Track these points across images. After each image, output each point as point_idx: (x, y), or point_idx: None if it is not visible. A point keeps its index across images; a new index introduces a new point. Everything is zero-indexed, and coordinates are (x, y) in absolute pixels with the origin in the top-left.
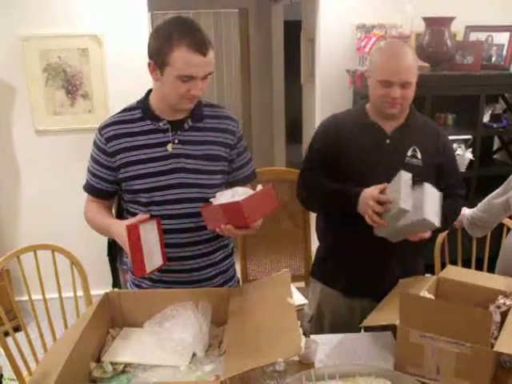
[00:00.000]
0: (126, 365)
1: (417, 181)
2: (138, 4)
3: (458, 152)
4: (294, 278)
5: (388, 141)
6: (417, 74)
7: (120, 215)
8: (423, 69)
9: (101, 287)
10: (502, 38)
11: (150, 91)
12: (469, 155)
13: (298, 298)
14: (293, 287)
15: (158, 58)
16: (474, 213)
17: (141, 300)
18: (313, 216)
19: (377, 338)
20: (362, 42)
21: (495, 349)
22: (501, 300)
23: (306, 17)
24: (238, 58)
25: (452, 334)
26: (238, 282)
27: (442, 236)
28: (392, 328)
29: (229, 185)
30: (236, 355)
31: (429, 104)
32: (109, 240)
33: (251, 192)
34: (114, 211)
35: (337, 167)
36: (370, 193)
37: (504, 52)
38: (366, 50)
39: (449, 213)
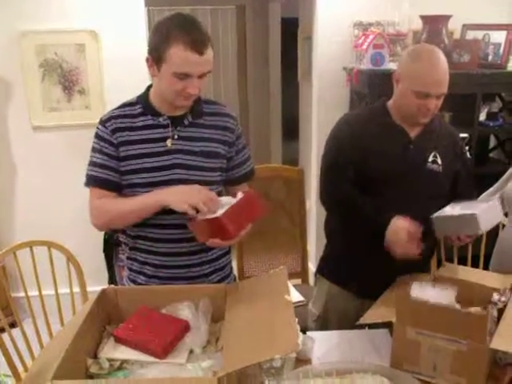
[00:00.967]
0: (123, 361)
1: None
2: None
3: None
4: (291, 276)
5: (411, 146)
6: None
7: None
8: None
9: (97, 283)
10: (498, 36)
11: (150, 86)
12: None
13: (295, 296)
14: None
15: (156, 53)
16: None
17: (138, 296)
18: (310, 213)
19: (373, 335)
20: (359, 39)
21: (491, 346)
22: (496, 297)
23: (303, 14)
24: (234, 55)
25: (448, 332)
26: (235, 279)
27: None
28: (389, 325)
29: (227, 182)
30: (233, 352)
31: None
32: (105, 236)
33: (233, 201)
34: None
35: (359, 166)
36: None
37: (501, 51)
38: (364, 47)
39: None
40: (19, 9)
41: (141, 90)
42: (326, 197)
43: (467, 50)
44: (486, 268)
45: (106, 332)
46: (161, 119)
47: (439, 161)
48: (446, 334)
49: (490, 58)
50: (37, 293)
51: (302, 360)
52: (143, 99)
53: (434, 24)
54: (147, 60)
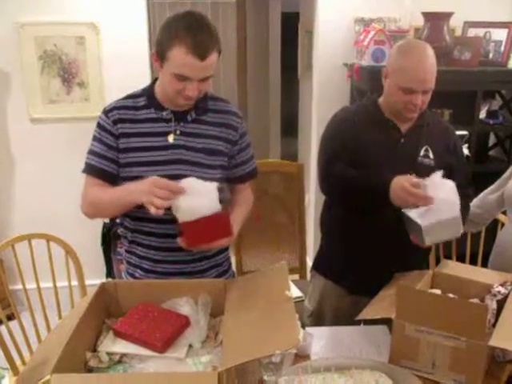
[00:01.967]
0: (123, 355)
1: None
2: None
3: None
4: (289, 271)
5: (402, 140)
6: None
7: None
8: None
9: (95, 277)
10: (500, 34)
11: (156, 79)
12: (465, 151)
13: (293, 291)
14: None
15: (160, 50)
16: None
17: (137, 290)
18: (308, 208)
19: (372, 331)
20: (360, 35)
21: (490, 343)
22: (496, 288)
23: (303, 9)
24: (234, 49)
25: (448, 328)
26: (234, 275)
27: None
28: (387, 321)
29: (230, 180)
30: (233, 347)
31: None
32: (103, 230)
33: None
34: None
35: (351, 160)
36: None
37: (502, 48)
38: (365, 43)
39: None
40: (19, 0)
41: (141, 83)
42: (324, 180)
43: (468, 47)
44: (484, 265)
45: (105, 326)
46: (164, 113)
47: (431, 155)
48: (444, 330)
49: (491, 55)
50: (35, 286)
51: (300, 356)
52: (148, 92)
53: (435, 21)
54: (153, 54)
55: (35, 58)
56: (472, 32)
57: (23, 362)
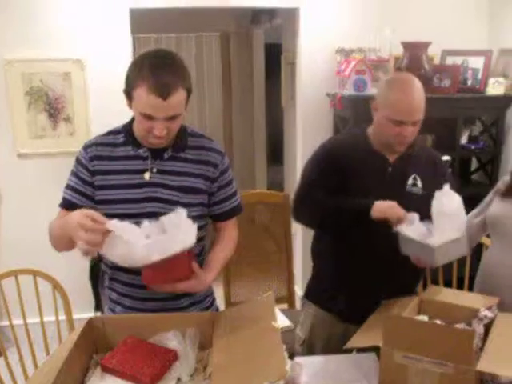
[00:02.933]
0: None
1: None
2: (122, 28)
3: None
4: (277, 300)
5: (390, 169)
6: None
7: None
8: None
9: (83, 311)
10: (477, 62)
11: None
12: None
13: (282, 320)
14: (276, 309)
15: (127, 88)
16: None
17: (125, 325)
18: (295, 238)
19: (360, 359)
20: (341, 65)
21: (478, 368)
22: (483, 312)
23: (286, 41)
24: (219, 81)
25: (435, 354)
26: (217, 310)
27: None
28: (376, 349)
29: (212, 217)
30: (222, 380)
31: None
32: (91, 263)
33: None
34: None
35: (338, 193)
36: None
37: (479, 76)
38: (346, 73)
39: None
40: (5, 37)
41: (126, 117)
42: (299, 205)
43: (447, 75)
44: (471, 288)
45: (93, 361)
46: (141, 151)
47: (419, 183)
48: (432, 357)
49: (469, 82)
50: (21, 321)
51: None
52: (126, 129)
53: (414, 50)
54: (123, 92)
55: (22, 93)
56: (450, 60)
57: None
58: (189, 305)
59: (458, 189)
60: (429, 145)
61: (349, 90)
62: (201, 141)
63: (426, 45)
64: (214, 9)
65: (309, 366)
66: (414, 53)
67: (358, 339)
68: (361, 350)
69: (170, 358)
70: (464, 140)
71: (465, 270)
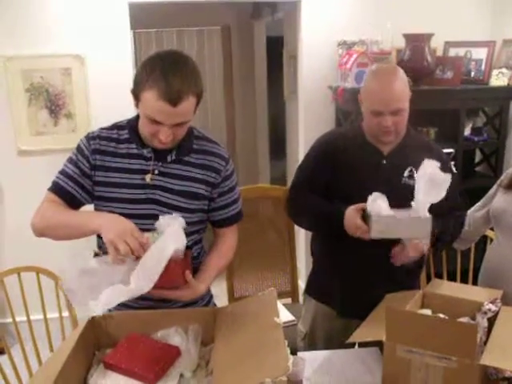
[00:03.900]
0: None
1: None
2: (121, 23)
3: None
4: (281, 295)
5: (384, 161)
6: (408, 97)
7: None
8: None
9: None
10: (480, 53)
11: None
12: (452, 168)
13: (285, 315)
14: (279, 304)
15: (135, 89)
16: None
17: (127, 322)
18: (299, 232)
19: (364, 353)
20: (343, 58)
21: (481, 362)
22: (486, 306)
23: (287, 33)
24: (221, 75)
25: (438, 349)
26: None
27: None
28: (379, 343)
29: (211, 223)
30: (224, 376)
31: (410, 118)
32: None
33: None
34: None
35: (333, 186)
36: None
37: (482, 67)
38: (348, 66)
39: (452, 227)
40: (5, 34)
41: (127, 113)
42: (290, 205)
43: (450, 66)
44: (475, 281)
45: (95, 358)
46: (145, 151)
47: (415, 175)
48: (435, 351)
49: (472, 74)
50: (25, 318)
51: (293, 381)
52: (131, 125)
53: (416, 42)
54: (131, 91)
55: (22, 90)
56: (453, 52)
57: None
58: (183, 305)
59: (457, 179)
60: (432, 137)
61: (351, 83)
62: (205, 145)
63: (428, 36)
64: (215, 2)
65: (312, 360)
66: (417, 45)
67: (361, 333)
68: (363, 344)
69: (172, 354)
70: (467, 132)
71: (469, 263)
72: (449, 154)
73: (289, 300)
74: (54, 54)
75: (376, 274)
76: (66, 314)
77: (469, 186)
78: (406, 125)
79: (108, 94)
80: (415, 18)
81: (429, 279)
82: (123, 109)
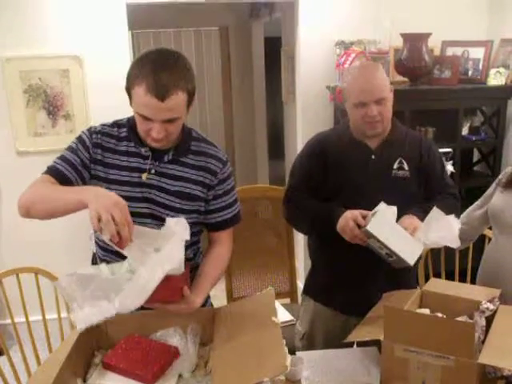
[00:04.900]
0: None
1: None
2: (119, 23)
3: None
4: (280, 295)
5: (373, 156)
6: (390, 88)
7: None
8: (402, 83)
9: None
10: (477, 52)
11: None
12: (450, 168)
13: (284, 315)
14: (278, 304)
15: (127, 87)
16: None
17: (126, 322)
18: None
19: (362, 353)
20: (341, 58)
21: (479, 361)
22: (484, 305)
23: (285, 34)
24: (219, 76)
25: (436, 348)
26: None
27: (424, 249)
28: (378, 343)
29: (206, 226)
30: (222, 376)
31: (408, 118)
32: (92, 261)
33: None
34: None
35: (324, 185)
36: (351, 213)
37: (480, 66)
38: (346, 66)
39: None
40: (3, 35)
41: (125, 113)
42: (285, 208)
43: (447, 66)
44: (473, 281)
45: (94, 358)
46: (143, 150)
47: (405, 166)
48: (433, 350)
49: (470, 73)
50: (24, 319)
51: (291, 381)
52: (130, 124)
53: (414, 42)
54: (125, 89)
55: (20, 91)
56: (450, 51)
57: None
58: None
59: (443, 168)
60: (430, 136)
61: None
62: (204, 146)
63: (426, 36)
64: (213, 3)
65: (310, 360)
66: (414, 44)
67: (359, 333)
68: (361, 344)
69: (171, 354)
70: (465, 131)
71: (467, 262)
72: (447, 153)
73: (287, 300)
74: (53, 55)
75: (374, 274)
76: (64, 314)
77: (467, 186)
78: (390, 117)
79: (106, 95)
80: (413, 18)
81: (427, 278)
82: (121, 110)
